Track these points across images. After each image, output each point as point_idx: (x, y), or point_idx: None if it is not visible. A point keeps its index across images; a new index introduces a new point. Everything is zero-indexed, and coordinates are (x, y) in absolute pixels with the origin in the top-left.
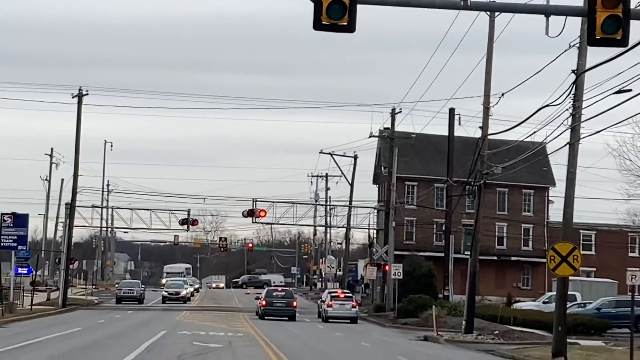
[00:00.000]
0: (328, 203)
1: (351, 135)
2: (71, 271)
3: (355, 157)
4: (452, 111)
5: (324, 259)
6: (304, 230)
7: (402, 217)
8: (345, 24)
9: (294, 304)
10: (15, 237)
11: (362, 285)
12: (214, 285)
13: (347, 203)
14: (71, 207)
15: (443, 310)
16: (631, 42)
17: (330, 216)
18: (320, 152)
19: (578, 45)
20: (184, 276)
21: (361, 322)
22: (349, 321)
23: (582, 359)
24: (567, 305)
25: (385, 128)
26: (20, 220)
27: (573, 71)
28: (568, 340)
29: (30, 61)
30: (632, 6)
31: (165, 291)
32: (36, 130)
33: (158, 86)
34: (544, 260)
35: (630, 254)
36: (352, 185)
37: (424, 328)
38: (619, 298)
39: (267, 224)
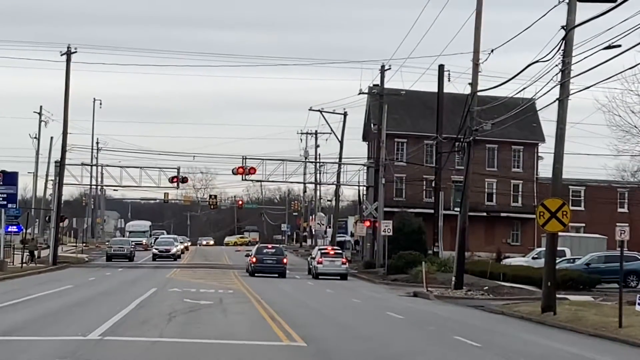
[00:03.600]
0: (318, 160)
1: (341, 93)
2: (61, 229)
3: (345, 114)
4: (441, 68)
5: (313, 216)
6: (294, 187)
7: (392, 173)
8: None
9: (284, 261)
10: (5, 195)
11: (352, 242)
12: (204, 242)
13: (337, 160)
14: (61, 165)
15: (433, 267)
16: None
17: (320, 173)
18: (309, 110)
19: (568, 0)
20: (150, 235)
21: (351, 278)
22: (339, 278)
23: (571, 314)
24: (557, 261)
25: (374, 85)
26: (10, 178)
27: (563, 27)
28: (557, 296)
29: (18, 18)
30: None
31: (156, 249)
32: (25, 88)
33: (147, 43)
34: (534, 216)
35: (619, 210)
36: (341, 142)
37: (414, 284)
38: (608, 253)
39: (257, 181)
